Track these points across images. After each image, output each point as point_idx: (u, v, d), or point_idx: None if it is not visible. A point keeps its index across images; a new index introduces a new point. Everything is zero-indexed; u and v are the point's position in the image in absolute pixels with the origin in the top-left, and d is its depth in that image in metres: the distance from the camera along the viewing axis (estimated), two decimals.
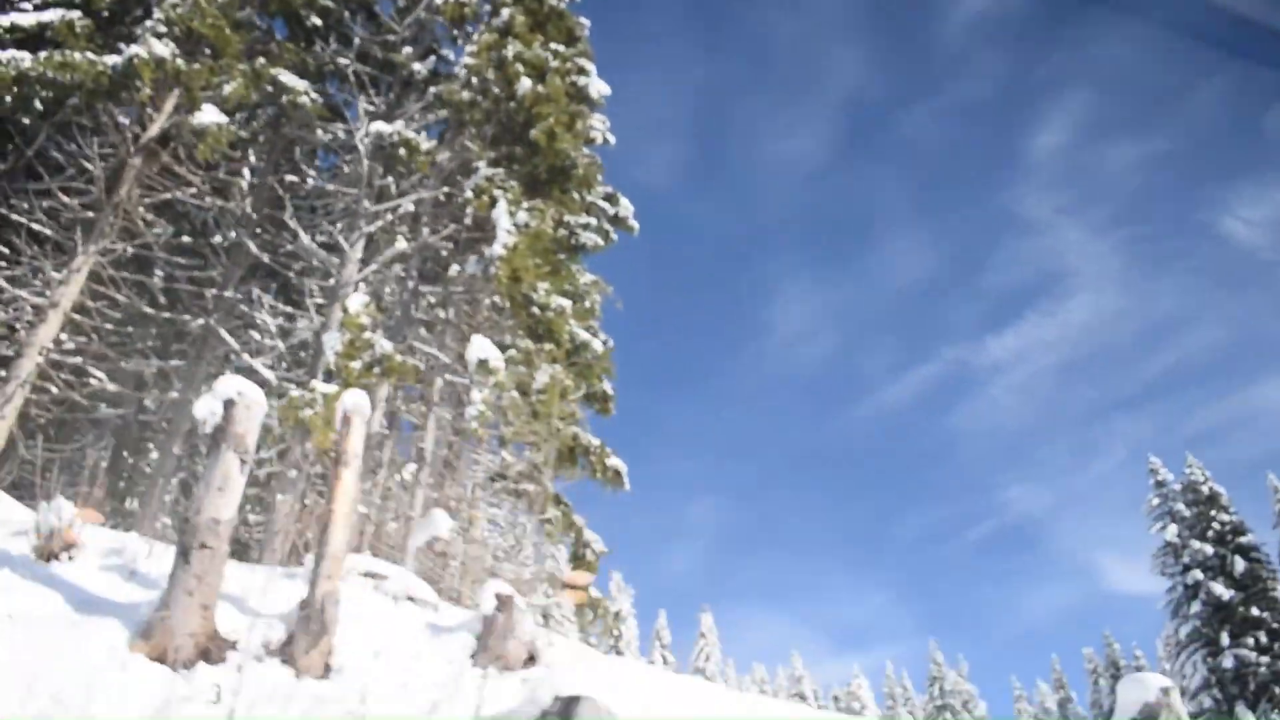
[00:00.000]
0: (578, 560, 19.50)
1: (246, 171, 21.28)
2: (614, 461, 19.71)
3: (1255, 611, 41.04)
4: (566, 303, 17.16)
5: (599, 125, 23.69)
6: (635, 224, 23.83)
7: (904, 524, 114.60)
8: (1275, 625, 40.92)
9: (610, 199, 23.02)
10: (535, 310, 16.90)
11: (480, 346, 15.26)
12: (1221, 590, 41.40)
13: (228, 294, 18.44)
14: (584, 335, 17.57)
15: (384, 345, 15.87)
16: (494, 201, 17.77)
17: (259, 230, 20.38)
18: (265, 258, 18.68)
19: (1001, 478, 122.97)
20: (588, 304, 20.26)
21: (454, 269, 18.32)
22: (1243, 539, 42.98)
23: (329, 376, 15.76)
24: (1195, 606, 42.06)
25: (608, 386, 21.19)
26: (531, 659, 7.62)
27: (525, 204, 18.47)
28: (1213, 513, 43.36)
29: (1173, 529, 43.76)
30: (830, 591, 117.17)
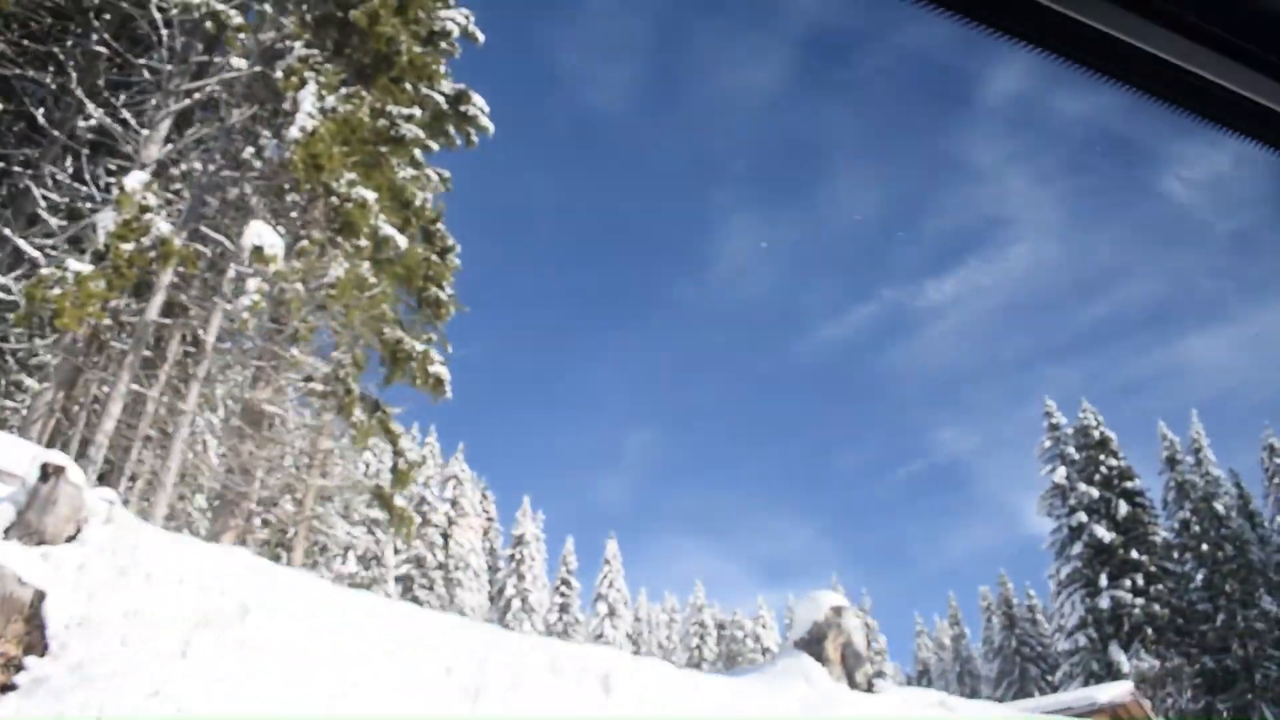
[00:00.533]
0: (395, 471, 18.82)
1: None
2: (437, 369, 18.95)
3: (1134, 554, 41.74)
4: (371, 194, 16.17)
5: (458, 18, 22.42)
6: (489, 124, 22.74)
7: (837, 460, 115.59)
8: (1152, 569, 41.70)
9: (460, 97, 21.88)
10: (334, 200, 15.90)
11: (256, 232, 14.28)
12: (1103, 533, 42.01)
13: (15, 168, 17.20)
14: (388, 231, 16.62)
15: (162, 228, 14.83)
16: (304, 83, 16.61)
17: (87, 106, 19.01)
18: (56, 132, 17.41)
19: (934, 418, 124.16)
20: (418, 202, 19.27)
21: (248, 152, 17.19)
22: (1129, 483, 43.58)
23: (99, 258, 14.71)
24: (1077, 548, 42.71)
25: (442, 292, 20.33)
26: (77, 534, 6.93)
27: (344, 90, 17.35)
28: (1102, 457, 43.84)
29: (1062, 471, 44.26)
30: (762, 524, 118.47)
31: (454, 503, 54.50)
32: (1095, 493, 43.09)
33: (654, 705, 7.53)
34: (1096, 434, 44.44)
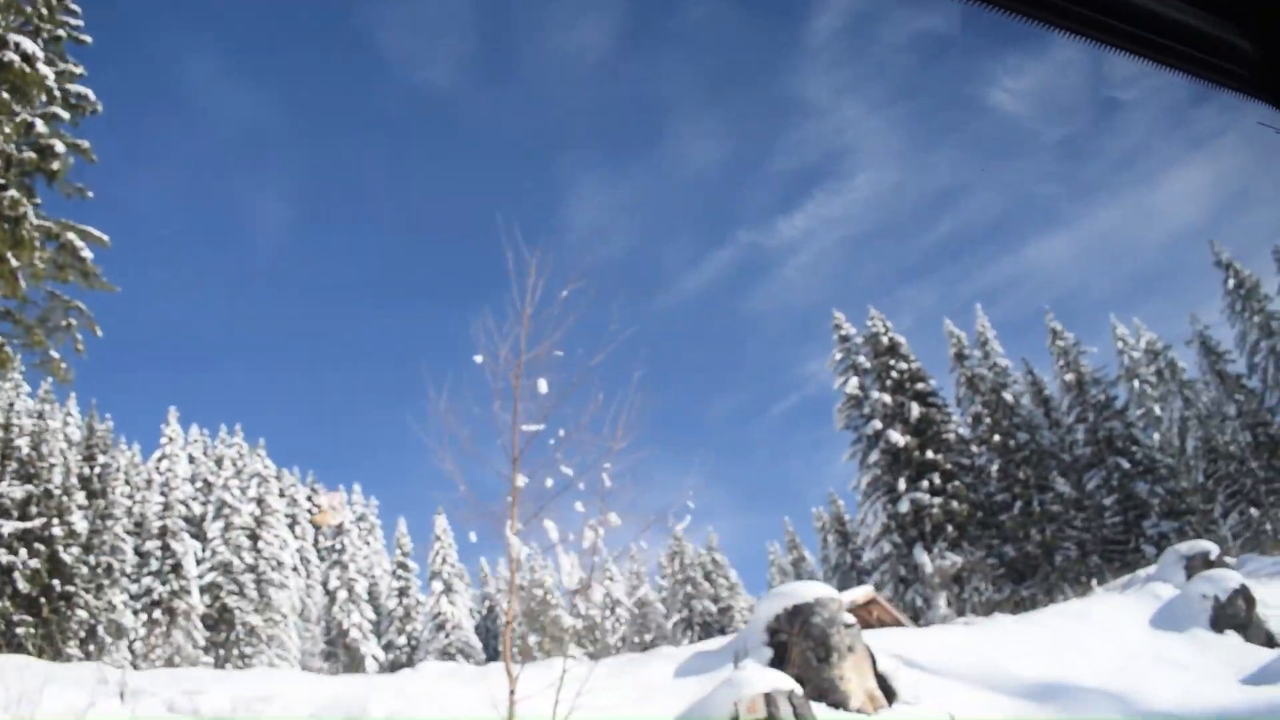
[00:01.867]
0: None
1: None
2: None
3: (930, 455, 41.45)
4: None
5: None
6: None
7: (714, 406, 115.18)
8: (948, 466, 41.49)
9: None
10: None
11: None
12: (898, 437, 41.53)
13: None
14: None
15: None
16: None
17: None
18: None
19: (799, 353, 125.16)
20: None
21: None
22: (920, 385, 43.19)
23: None
24: (875, 455, 42.22)
25: None
26: None
27: None
28: (892, 362, 43.36)
29: (855, 381, 43.69)
30: (645, 478, 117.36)
31: (260, 501, 51.51)
32: (888, 399, 42.60)
33: None
34: (886, 340, 43.92)
